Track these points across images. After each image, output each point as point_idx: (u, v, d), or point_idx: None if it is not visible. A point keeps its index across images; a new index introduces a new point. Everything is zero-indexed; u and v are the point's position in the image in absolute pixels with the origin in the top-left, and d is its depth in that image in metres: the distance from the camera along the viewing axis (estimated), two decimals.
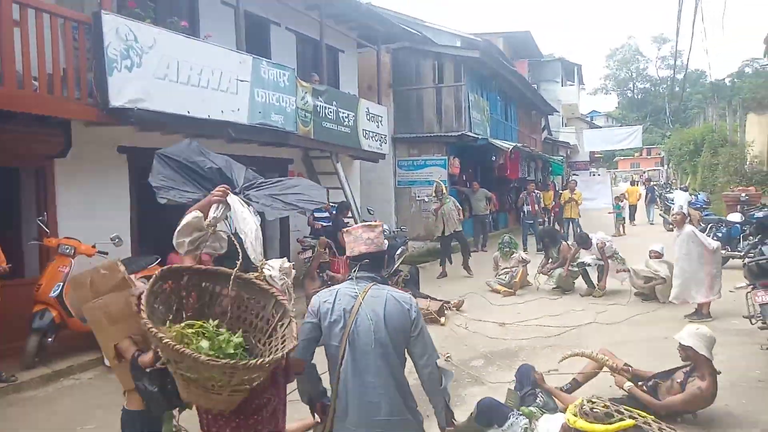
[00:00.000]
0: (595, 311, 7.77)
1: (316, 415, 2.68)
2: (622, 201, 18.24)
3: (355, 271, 2.53)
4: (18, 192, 6.61)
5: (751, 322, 5.90)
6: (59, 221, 6.34)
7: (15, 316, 5.46)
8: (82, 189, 6.60)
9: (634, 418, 2.96)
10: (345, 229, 2.69)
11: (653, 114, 59.37)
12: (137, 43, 6.05)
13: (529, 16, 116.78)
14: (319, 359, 2.57)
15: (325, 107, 9.66)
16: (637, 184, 24.14)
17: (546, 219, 16.06)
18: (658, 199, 21.66)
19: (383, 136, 11.97)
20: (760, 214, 10.43)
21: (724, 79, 46.97)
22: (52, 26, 5.61)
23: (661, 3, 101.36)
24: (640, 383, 4.30)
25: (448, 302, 7.95)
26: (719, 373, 4.11)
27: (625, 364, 4.43)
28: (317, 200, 3.59)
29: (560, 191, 16.87)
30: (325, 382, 2.59)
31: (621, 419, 2.93)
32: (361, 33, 12.34)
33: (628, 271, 8.61)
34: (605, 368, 4.44)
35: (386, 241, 2.99)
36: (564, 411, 3.55)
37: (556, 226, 14.92)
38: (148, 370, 2.48)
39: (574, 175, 23.38)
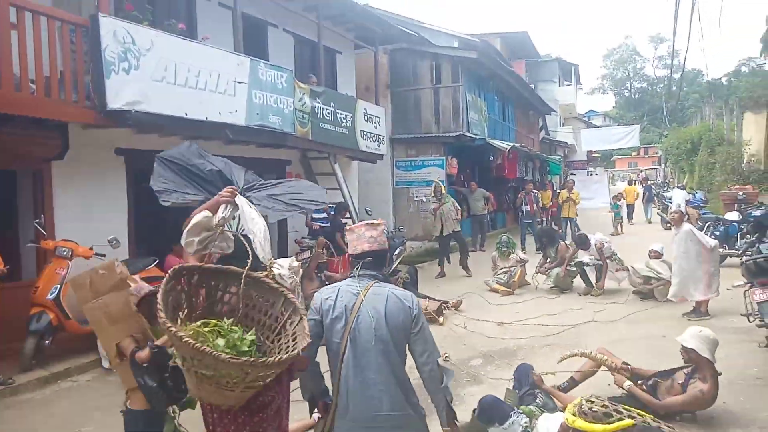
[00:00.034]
0: (593, 310, 7.79)
1: (315, 414, 2.68)
2: (619, 200, 18.31)
3: (357, 268, 2.54)
4: (15, 194, 6.60)
5: (748, 320, 5.92)
6: (56, 223, 6.33)
7: (12, 318, 5.46)
8: (80, 191, 6.60)
9: (633, 417, 2.96)
10: (348, 227, 2.71)
11: (650, 113, 59.57)
12: (135, 46, 6.04)
13: (526, 17, 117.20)
14: (322, 358, 2.57)
15: (323, 108, 9.66)
16: (635, 184, 24.19)
17: (544, 218, 16.08)
18: (655, 198, 21.71)
19: (381, 137, 11.97)
20: (757, 213, 10.44)
21: (721, 78, 47.08)
22: (50, 29, 5.60)
23: (658, 3, 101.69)
24: (639, 382, 4.30)
25: (447, 302, 7.95)
26: (720, 374, 4.11)
27: (624, 363, 4.43)
28: (318, 200, 3.60)
29: (558, 191, 16.89)
30: (327, 381, 2.59)
31: (620, 419, 2.94)
32: (359, 34, 12.33)
33: (627, 269, 8.64)
34: (604, 367, 4.44)
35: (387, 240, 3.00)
36: (563, 410, 3.56)
37: (554, 226, 14.93)
38: (145, 365, 2.54)
39: (571, 174, 23.43)
